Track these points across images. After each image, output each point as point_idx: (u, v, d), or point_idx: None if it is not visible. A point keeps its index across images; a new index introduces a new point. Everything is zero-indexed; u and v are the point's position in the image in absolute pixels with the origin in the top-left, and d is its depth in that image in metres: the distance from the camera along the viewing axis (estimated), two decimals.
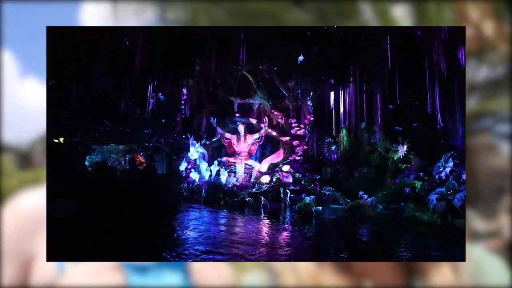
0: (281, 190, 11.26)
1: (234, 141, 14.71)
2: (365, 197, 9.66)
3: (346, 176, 14.28)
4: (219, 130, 14.62)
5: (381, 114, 13.59)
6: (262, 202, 10.69)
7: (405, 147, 13.70)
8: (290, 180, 12.28)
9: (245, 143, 14.81)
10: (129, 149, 17.15)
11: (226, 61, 12.14)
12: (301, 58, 11.49)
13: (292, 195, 11.43)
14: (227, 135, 14.91)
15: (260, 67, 13.08)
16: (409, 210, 9.32)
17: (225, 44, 10.90)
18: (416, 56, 12.11)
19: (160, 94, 13.05)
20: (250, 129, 15.79)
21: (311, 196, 9.48)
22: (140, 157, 17.60)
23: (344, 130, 15.56)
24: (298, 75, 12.31)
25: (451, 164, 11.15)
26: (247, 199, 10.97)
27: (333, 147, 16.20)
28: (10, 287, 2.20)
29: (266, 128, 14.46)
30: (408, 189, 10.90)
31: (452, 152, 11.78)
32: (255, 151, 15.04)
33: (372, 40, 11.74)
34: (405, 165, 13.28)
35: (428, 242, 6.35)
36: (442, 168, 11.53)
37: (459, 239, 5.01)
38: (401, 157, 13.62)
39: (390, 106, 12.34)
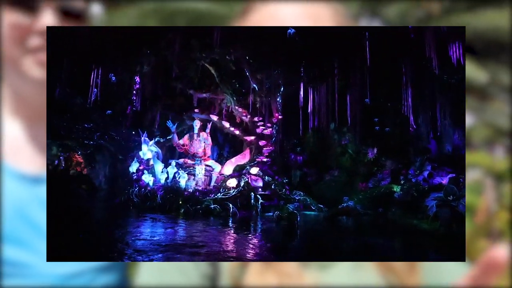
0: (252, 196, 9.84)
1: (186, 141, 12.89)
2: (351, 203, 8.65)
3: (316, 179, 13.32)
4: (175, 139, 12.74)
5: (352, 114, 12.94)
6: (231, 209, 9.17)
7: (375, 149, 13.14)
8: (260, 184, 10.93)
9: (198, 142, 13.11)
10: (65, 146, 14.56)
11: (193, 46, 10.45)
12: (291, 31, 10.18)
13: (262, 201, 10.06)
14: (181, 140, 13.00)
15: (227, 57, 11.59)
16: (397, 216, 8.51)
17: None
18: (393, 55, 11.58)
19: (112, 74, 10.87)
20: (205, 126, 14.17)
21: (294, 203, 8.24)
22: (77, 156, 15.03)
23: (310, 131, 14.64)
24: (270, 66, 11.05)
25: (428, 167, 10.68)
26: (212, 206, 9.37)
27: (298, 149, 15.22)
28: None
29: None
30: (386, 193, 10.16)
31: (427, 155, 11.40)
32: (208, 151, 13.39)
33: (352, 37, 10.95)
34: (376, 168, 12.67)
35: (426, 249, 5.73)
36: (418, 171, 11.04)
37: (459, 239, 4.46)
38: (372, 160, 13.03)
39: (366, 100, 11.62)
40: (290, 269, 2.51)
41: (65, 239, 4.94)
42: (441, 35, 9.89)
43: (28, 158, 2.51)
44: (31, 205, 2.40)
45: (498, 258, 2.29)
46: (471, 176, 2.67)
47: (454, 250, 5.16)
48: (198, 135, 13.15)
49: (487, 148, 2.66)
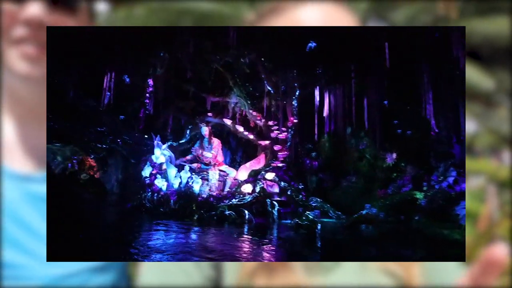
0: (268, 202, 9.47)
1: (199, 151, 12.56)
2: (374, 211, 8.21)
3: (332, 185, 12.88)
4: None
5: (370, 118, 12.51)
6: (247, 216, 8.83)
7: (394, 154, 12.64)
8: (276, 190, 10.56)
9: (209, 148, 12.80)
10: (78, 150, 14.45)
11: (206, 47, 10.20)
12: (312, 44, 9.88)
13: (279, 207, 9.69)
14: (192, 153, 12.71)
15: (242, 59, 11.31)
16: (423, 225, 8.04)
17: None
18: (414, 56, 11.14)
19: (125, 76, 10.67)
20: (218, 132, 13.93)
21: (314, 210, 7.86)
22: (90, 160, 14.92)
23: (325, 136, 14.23)
24: (286, 68, 10.72)
25: (453, 173, 10.17)
26: (227, 212, 9.04)
27: (313, 154, 14.80)
28: None
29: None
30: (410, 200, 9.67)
31: (452, 161, 10.88)
32: (222, 158, 13.11)
33: (371, 38, 10.58)
34: (396, 174, 12.18)
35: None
36: (442, 177, 10.53)
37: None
38: (391, 165, 12.52)
39: (385, 101, 11.21)
40: (297, 277, 2.53)
41: (66, 241, 4.82)
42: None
43: (19, 157, 2.43)
44: (22, 204, 2.35)
45: (497, 257, 2.28)
46: (475, 183, 2.68)
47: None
48: (209, 143, 12.80)
49: (491, 155, 2.67)
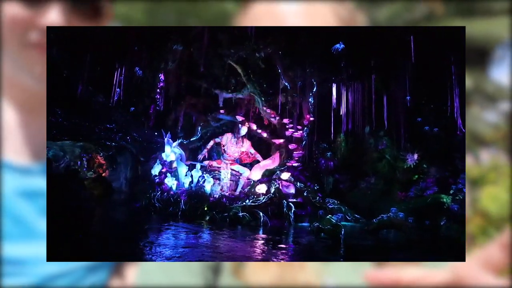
0: (284, 203, 8.92)
1: (224, 141, 12.33)
2: (401, 215, 7.57)
3: (349, 187, 12.25)
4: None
5: (390, 116, 11.89)
6: (262, 218, 8.31)
7: (416, 155, 11.96)
8: (292, 190, 10.02)
9: (237, 147, 12.42)
10: (87, 147, 14.11)
11: (221, 40, 9.70)
12: (339, 46, 9.33)
13: (295, 209, 9.14)
14: (218, 138, 12.50)
15: (257, 54, 10.78)
16: (453, 231, 7.41)
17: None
18: (440, 53, 10.48)
19: (137, 68, 10.21)
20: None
21: (338, 214, 7.28)
22: (99, 158, 14.58)
23: (341, 135, 13.61)
24: (304, 63, 10.16)
25: None
26: (240, 214, 8.53)
27: (328, 154, 14.19)
28: None
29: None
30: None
31: None
32: (247, 160, 12.73)
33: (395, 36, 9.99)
34: (418, 176, 11.51)
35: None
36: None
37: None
38: (412, 166, 11.85)
39: (408, 97, 10.58)
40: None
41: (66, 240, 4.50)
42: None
43: (16, 148, 2.32)
44: (16, 198, 2.25)
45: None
46: None
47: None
48: (242, 141, 12.46)
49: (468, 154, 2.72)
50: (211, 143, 12.28)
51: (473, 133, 2.75)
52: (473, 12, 2.78)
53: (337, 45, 9.53)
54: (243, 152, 12.21)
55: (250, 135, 12.76)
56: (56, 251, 2.61)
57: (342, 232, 6.15)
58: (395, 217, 7.40)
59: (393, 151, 12.22)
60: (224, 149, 11.95)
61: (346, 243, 6.16)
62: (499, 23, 2.72)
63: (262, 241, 6.49)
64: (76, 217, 3.76)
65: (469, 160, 2.69)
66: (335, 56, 10.58)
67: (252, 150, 12.59)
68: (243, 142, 12.25)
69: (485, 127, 2.72)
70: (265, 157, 12.63)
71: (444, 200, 9.14)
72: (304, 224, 8.56)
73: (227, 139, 12.15)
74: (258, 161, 12.37)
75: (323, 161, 14.12)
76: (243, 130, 12.10)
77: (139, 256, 4.37)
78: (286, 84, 11.18)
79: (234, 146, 11.97)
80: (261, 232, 7.76)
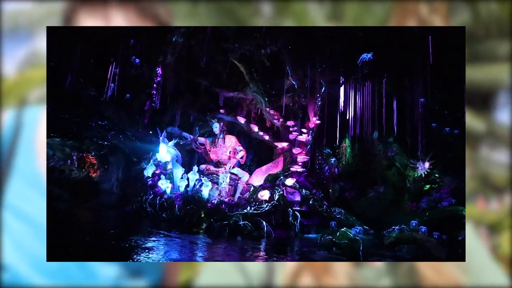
0: (290, 212, 8.12)
1: (208, 146, 11.65)
2: (423, 229, 6.79)
3: (356, 195, 11.49)
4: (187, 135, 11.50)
5: (400, 122, 11.20)
6: (265, 228, 7.49)
7: (427, 164, 11.23)
8: (298, 198, 9.21)
9: (222, 148, 11.67)
10: (78, 146, 13.20)
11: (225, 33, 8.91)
12: (367, 55, 8.60)
13: (301, 219, 8.33)
14: (201, 139, 11.84)
15: (263, 50, 10.02)
16: None
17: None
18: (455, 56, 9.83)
19: (134, 57, 9.36)
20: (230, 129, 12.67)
21: (356, 227, 6.48)
22: (91, 157, 13.68)
23: (347, 140, 12.86)
24: (314, 61, 9.41)
25: None
26: (241, 222, 7.71)
27: (332, 160, 13.42)
28: None
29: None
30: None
31: None
32: (242, 161, 11.95)
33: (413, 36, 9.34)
34: (429, 186, 10.78)
35: None
36: None
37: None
38: (423, 175, 11.12)
39: (421, 99, 9.92)
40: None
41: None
42: None
43: None
44: None
45: None
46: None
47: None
48: (224, 140, 11.74)
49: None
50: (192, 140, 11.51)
51: (484, 177, 2.84)
52: (477, 57, 2.83)
53: (364, 55, 8.79)
54: (230, 151, 11.45)
55: (230, 130, 11.91)
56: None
57: (361, 248, 5.36)
58: (416, 231, 6.62)
59: (403, 158, 11.52)
60: (210, 154, 11.20)
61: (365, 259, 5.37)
62: (501, 69, 2.83)
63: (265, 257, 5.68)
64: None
65: (481, 205, 2.83)
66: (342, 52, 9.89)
67: (240, 147, 11.73)
68: (224, 140, 11.48)
69: (496, 168, 2.80)
70: (263, 160, 11.88)
71: (463, 212, 8.41)
72: (311, 235, 7.77)
73: (209, 143, 11.43)
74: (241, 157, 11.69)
75: (327, 167, 13.37)
76: (215, 126, 11.36)
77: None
78: (294, 83, 10.41)
79: (219, 148, 11.26)
80: (264, 243, 6.97)
